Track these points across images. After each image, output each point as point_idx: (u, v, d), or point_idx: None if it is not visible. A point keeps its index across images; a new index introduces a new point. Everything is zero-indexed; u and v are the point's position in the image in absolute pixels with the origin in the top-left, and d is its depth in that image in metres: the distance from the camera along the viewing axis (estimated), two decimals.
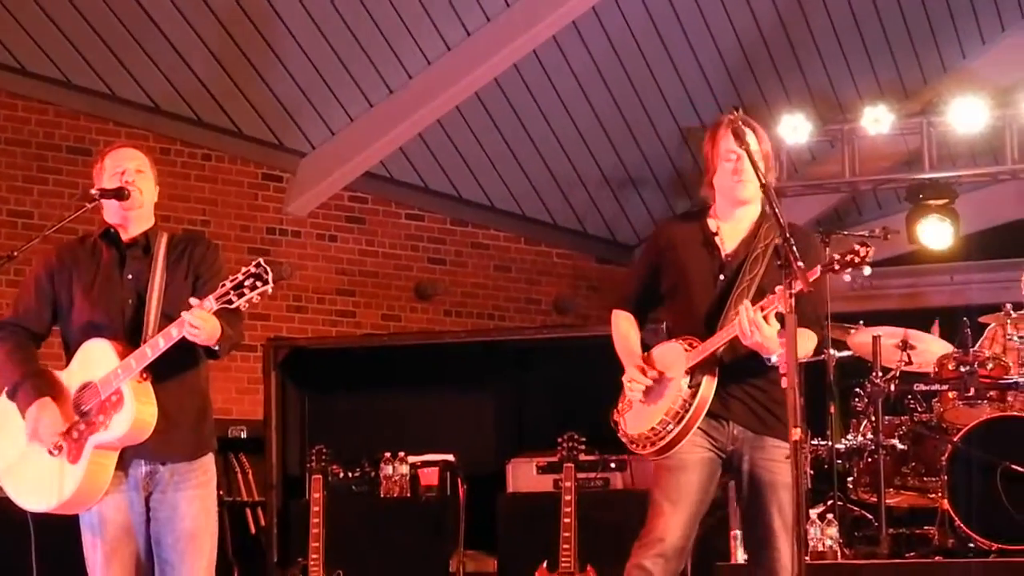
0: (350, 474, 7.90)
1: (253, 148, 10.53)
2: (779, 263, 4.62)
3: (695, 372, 4.89)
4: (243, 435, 8.93)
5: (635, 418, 5.01)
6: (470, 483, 7.64)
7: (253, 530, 8.79)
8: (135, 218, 4.96)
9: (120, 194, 4.90)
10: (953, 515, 7.26)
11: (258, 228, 10.59)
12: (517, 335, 9.15)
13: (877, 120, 10.03)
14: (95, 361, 4.78)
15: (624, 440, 5.08)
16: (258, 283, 4.54)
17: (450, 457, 7.85)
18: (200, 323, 4.60)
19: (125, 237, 4.97)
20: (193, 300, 4.62)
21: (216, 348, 4.76)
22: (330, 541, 7.32)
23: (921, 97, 11.01)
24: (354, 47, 9.92)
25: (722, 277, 4.98)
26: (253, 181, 10.61)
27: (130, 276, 4.91)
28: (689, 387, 4.89)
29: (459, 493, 7.58)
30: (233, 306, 4.57)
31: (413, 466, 7.83)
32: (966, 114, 10.01)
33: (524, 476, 7.81)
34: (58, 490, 4.77)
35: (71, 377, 4.84)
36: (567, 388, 7.92)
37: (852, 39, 10.86)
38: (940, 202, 10.59)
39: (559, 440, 7.29)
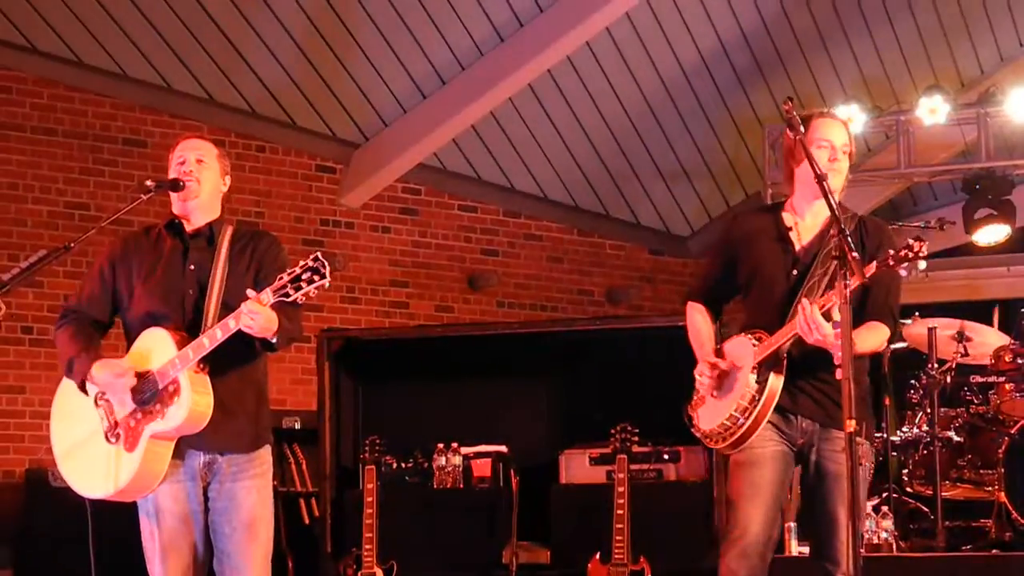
0: (403, 465, 7.93)
1: (307, 139, 10.57)
2: (835, 255, 4.62)
3: (762, 367, 4.89)
4: (297, 426, 8.97)
5: (707, 413, 5.03)
6: (523, 474, 7.64)
7: (307, 520, 8.83)
8: (195, 208, 5.00)
9: (175, 185, 4.95)
10: (1010, 508, 7.22)
11: (312, 219, 10.63)
12: (570, 326, 9.12)
13: (933, 111, 9.94)
14: (153, 350, 4.81)
15: (698, 435, 5.10)
16: (315, 277, 4.56)
17: (503, 448, 7.86)
18: (257, 315, 4.62)
19: (189, 228, 5.00)
20: (250, 292, 4.64)
21: (273, 341, 4.77)
22: (383, 531, 7.35)
23: (978, 87, 10.91)
24: (407, 38, 9.94)
25: (795, 272, 4.98)
26: (307, 172, 10.66)
27: (192, 267, 4.94)
28: (756, 382, 4.89)
29: (512, 484, 7.58)
30: (290, 299, 4.58)
31: (466, 457, 7.84)
32: (1023, 104, 9.90)
33: (577, 467, 7.81)
34: (115, 478, 4.81)
35: (130, 365, 4.85)
36: (620, 379, 7.92)
37: (908, 29, 10.77)
38: (995, 195, 10.49)
39: (612, 431, 7.29)
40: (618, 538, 7.02)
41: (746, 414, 4.89)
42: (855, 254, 4.55)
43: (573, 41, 9.94)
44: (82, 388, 4.90)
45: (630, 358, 7.80)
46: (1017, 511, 7.21)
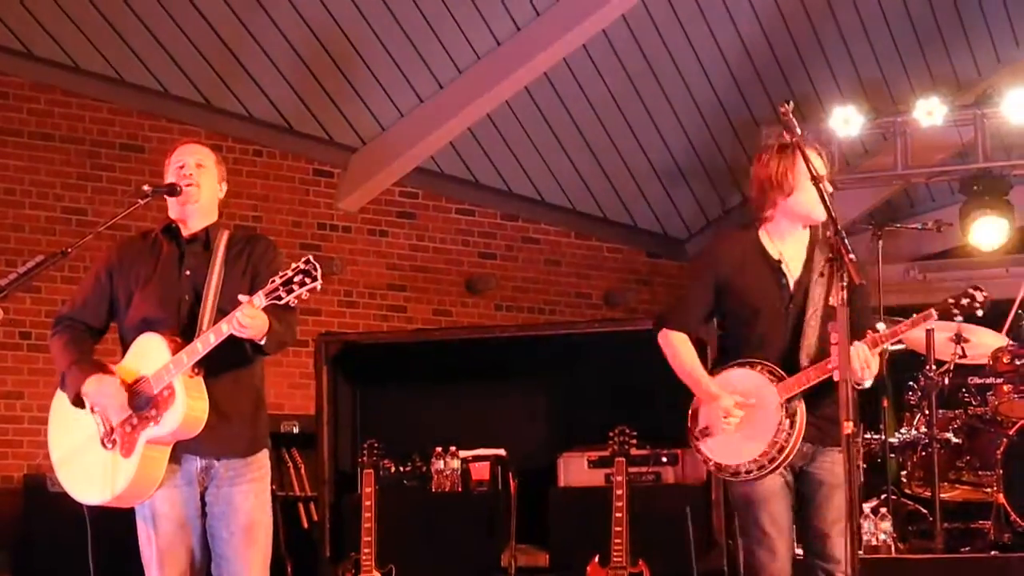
0: (401, 468, 7.93)
1: (304, 143, 10.57)
2: (830, 256, 4.63)
3: (788, 402, 4.95)
4: (295, 430, 8.97)
5: (725, 447, 5.03)
6: (521, 477, 7.64)
7: (306, 525, 8.83)
8: (193, 213, 5.00)
9: (172, 190, 4.96)
10: (1009, 509, 7.21)
11: (309, 224, 10.63)
12: (567, 329, 9.12)
13: (930, 112, 9.95)
14: (148, 356, 4.81)
15: (710, 467, 5.13)
16: (307, 279, 4.56)
17: (501, 451, 7.86)
18: (249, 319, 4.62)
19: (186, 233, 5.01)
20: (242, 297, 4.64)
21: (262, 343, 4.77)
22: (382, 535, 7.35)
23: (975, 89, 10.92)
24: (403, 42, 9.94)
25: (791, 306, 5.04)
26: (304, 177, 10.65)
27: (188, 272, 4.94)
28: (787, 417, 4.94)
29: (510, 487, 7.58)
30: (282, 302, 4.59)
31: (464, 460, 7.84)
32: (1020, 105, 9.92)
33: (575, 470, 7.81)
34: (111, 484, 4.81)
35: (124, 371, 4.86)
36: (618, 382, 7.91)
37: (904, 31, 10.77)
38: (994, 195, 10.49)
39: (610, 434, 7.29)
40: (616, 541, 7.02)
41: (778, 448, 4.94)
42: (852, 256, 4.56)
43: (569, 44, 9.94)
44: (75, 403, 4.90)
45: (628, 361, 7.78)
46: (1016, 513, 7.20)
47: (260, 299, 4.60)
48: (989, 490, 7.52)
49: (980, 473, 7.68)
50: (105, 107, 9.88)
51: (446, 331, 10.18)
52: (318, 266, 4.57)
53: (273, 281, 4.59)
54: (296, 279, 4.56)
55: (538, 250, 11.70)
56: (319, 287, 4.58)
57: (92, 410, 4.87)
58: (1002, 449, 7.36)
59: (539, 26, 9.90)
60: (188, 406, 4.73)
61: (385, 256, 10.99)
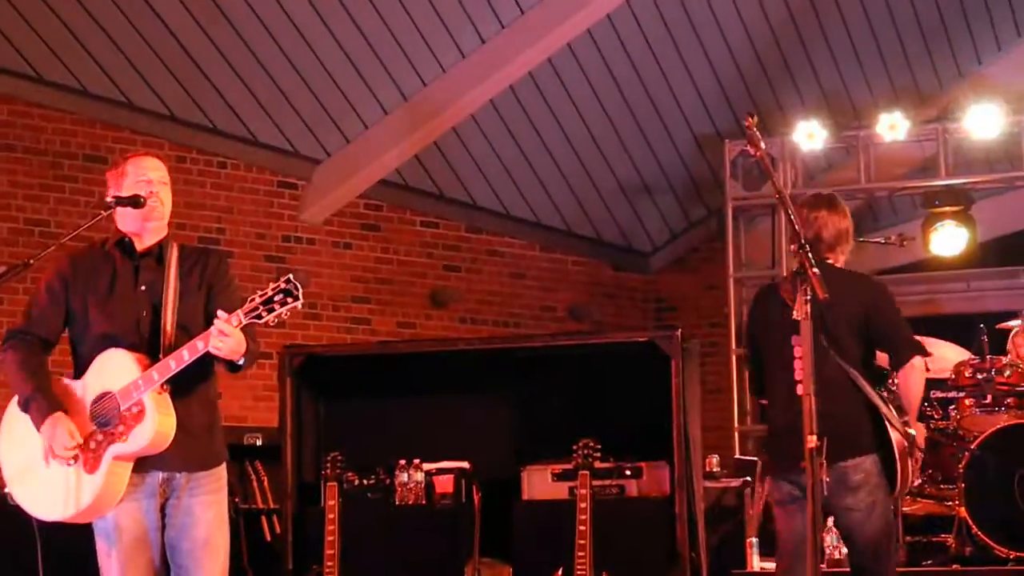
0: (365, 481, 7.89)
1: (268, 155, 10.54)
2: (796, 271, 4.67)
3: None
4: (259, 442, 8.91)
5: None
6: (485, 490, 7.62)
7: (268, 537, 8.78)
8: (153, 228, 4.97)
9: (135, 202, 4.90)
10: (970, 523, 7.25)
11: (273, 236, 10.60)
12: (532, 342, 9.11)
13: (893, 126, 10.03)
14: (113, 371, 4.78)
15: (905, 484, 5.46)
16: (288, 299, 4.55)
17: (465, 464, 7.83)
18: (227, 338, 4.60)
19: (139, 247, 4.96)
20: (221, 314, 4.62)
21: (240, 363, 4.76)
22: (345, 549, 7.31)
23: (937, 103, 10.99)
24: (369, 55, 9.94)
25: None
26: (268, 189, 10.62)
27: (143, 287, 4.90)
28: None
29: (474, 500, 7.56)
30: (262, 321, 4.58)
31: (428, 473, 7.81)
32: (982, 120, 10.00)
33: (539, 483, 7.79)
34: (75, 500, 4.76)
35: (87, 387, 4.83)
36: (582, 395, 7.91)
37: (867, 44, 10.84)
38: (956, 208, 10.57)
39: (574, 447, 7.27)
40: (580, 554, 7.00)
41: None
42: (815, 270, 4.59)
43: (535, 57, 9.97)
44: (38, 427, 4.83)
45: (592, 374, 7.79)
46: (977, 526, 7.23)
47: (239, 318, 4.58)
48: (951, 504, 7.56)
49: (942, 487, 7.71)
50: (68, 118, 9.83)
51: (410, 344, 10.16)
52: (299, 285, 4.56)
53: (252, 300, 4.57)
54: (276, 299, 4.55)
55: (502, 263, 11.71)
56: (299, 306, 4.57)
57: None
58: (964, 463, 7.39)
59: (504, 39, 9.92)
60: (159, 423, 4.70)
61: (349, 268, 10.98)
